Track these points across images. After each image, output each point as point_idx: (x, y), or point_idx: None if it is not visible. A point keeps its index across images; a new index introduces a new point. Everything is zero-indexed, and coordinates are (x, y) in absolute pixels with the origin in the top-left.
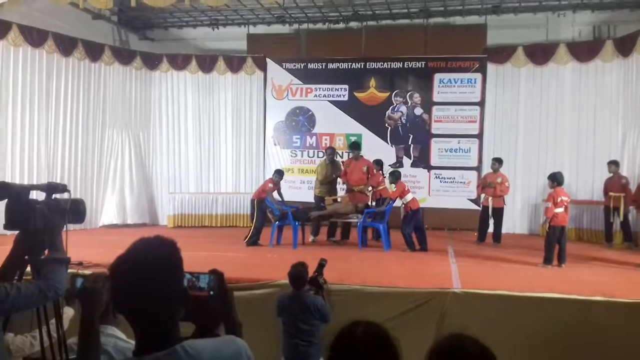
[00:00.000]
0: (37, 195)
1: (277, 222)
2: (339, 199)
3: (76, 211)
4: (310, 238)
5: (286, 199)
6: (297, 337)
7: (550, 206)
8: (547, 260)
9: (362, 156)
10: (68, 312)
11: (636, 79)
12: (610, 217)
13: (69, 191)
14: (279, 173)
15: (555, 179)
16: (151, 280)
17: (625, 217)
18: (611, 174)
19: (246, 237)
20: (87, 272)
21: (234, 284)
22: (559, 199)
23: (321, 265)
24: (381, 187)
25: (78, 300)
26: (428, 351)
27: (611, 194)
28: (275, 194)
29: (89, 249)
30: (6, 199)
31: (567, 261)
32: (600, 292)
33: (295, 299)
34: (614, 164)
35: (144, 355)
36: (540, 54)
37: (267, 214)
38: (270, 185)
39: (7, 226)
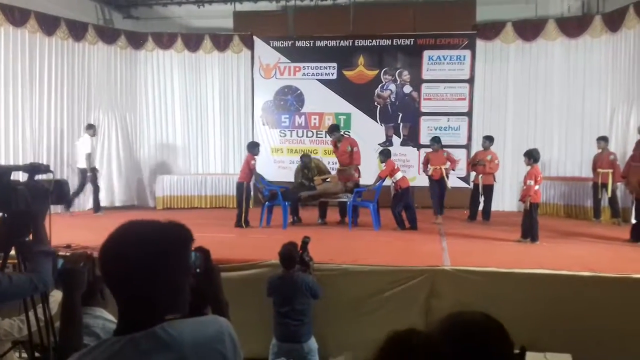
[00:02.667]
0: (22, 177)
1: (266, 203)
2: (328, 179)
3: (60, 192)
4: (290, 219)
5: (276, 179)
6: (288, 317)
7: (532, 184)
8: (535, 237)
9: (344, 136)
10: (56, 296)
11: (625, 54)
12: (598, 193)
13: (52, 172)
14: (257, 145)
15: (532, 156)
16: (153, 263)
17: (614, 193)
18: (600, 150)
19: (241, 223)
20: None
21: (224, 264)
22: (539, 177)
23: (305, 242)
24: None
25: (59, 281)
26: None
27: (599, 170)
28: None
29: (77, 232)
30: None
31: (554, 237)
32: (588, 267)
33: (286, 278)
34: (603, 140)
35: (123, 335)
36: (529, 30)
37: (257, 194)
38: (253, 162)
39: None
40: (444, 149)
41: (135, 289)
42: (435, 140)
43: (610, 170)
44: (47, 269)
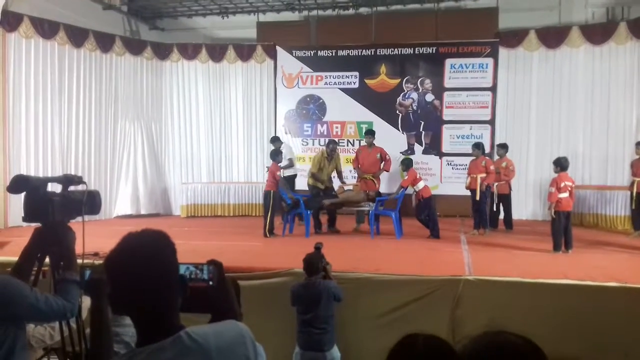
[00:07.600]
0: (53, 188)
1: (289, 211)
2: (351, 187)
3: (92, 203)
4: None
5: (298, 187)
6: (312, 325)
7: (553, 191)
8: (556, 247)
9: (374, 144)
10: (87, 302)
11: None
12: (632, 203)
13: (84, 183)
14: (279, 153)
15: (558, 164)
16: (148, 271)
17: None
18: (638, 156)
19: (266, 232)
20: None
21: (247, 272)
22: (562, 184)
23: (318, 248)
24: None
25: (86, 291)
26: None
27: (633, 178)
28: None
29: (104, 240)
30: (24, 192)
31: (578, 246)
32: (614, 278)
33: (309, 286)
34: None
35: (147, 345)
36: (552, 37)
37: (279, 203)
38: (279, 173)
39: (26, 218)
40: (485, 157)
41: (143, 300)
42: (476, 146)
43: None
44: (76, 297)
